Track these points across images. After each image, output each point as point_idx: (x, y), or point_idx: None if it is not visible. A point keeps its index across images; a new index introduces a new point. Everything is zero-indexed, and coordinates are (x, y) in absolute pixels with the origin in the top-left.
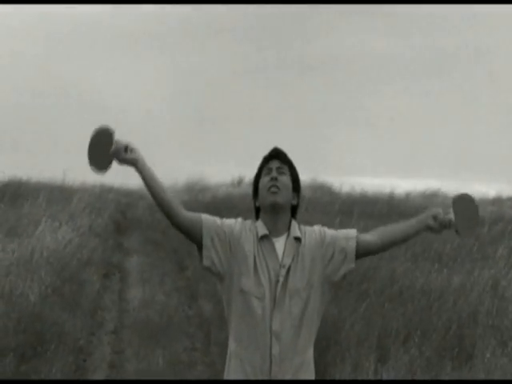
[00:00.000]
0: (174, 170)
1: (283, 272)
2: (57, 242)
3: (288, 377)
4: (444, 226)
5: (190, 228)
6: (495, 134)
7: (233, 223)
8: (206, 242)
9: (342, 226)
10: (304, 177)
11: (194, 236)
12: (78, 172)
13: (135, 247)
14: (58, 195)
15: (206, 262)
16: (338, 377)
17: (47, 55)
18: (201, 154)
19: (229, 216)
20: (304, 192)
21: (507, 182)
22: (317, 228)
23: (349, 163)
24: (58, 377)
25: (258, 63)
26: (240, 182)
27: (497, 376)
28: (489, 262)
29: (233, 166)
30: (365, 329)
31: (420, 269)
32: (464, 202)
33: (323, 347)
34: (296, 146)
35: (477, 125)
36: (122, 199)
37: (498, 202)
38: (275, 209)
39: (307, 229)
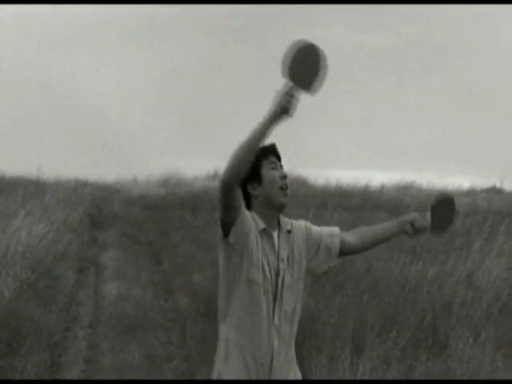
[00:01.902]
0: (149, 163)
1: (283, 266)
2: (32, 237)
3: (284, 369)
4: (419, 232)
5: (234, 205)
6: (469, 127)
7: (247, 212)
8: (239, 225)
9: (317, 218)
10: None
11: (230, 213)
12: (53, 167)
13: (111, 241)
14: (32, 190)
15: (231, 239)
16: (313, 368)
17: (23, 52)
18: (176, 147)
19: (204, 209)
20: None
21: (481, 175)
22: (303, 223)
23: (324, 156)
24: (34, 372)
25: (232, 57)
26: (215, 175)
27: (470, 366)
28: (463, 253)
29: (208, 160)
30: (340, 320)
31: (395, 261)
32: (443, 204)
33: (299, 339)
34: (271, 139)
35: (451, 118)
36: (98, 193)
37: (471, 194)
38: (282, 209)
39: (293, 223)
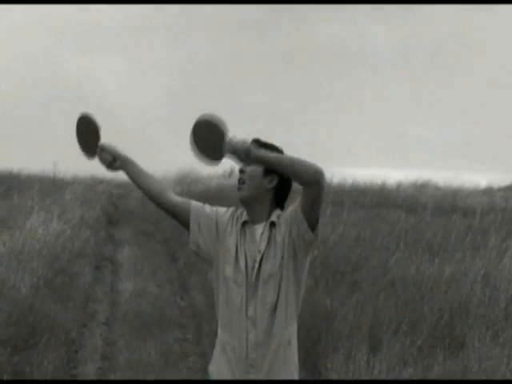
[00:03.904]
0: (165, 161)
1: (258, 258)
2: (48, 234)
3: (267, 361)
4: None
5: (177, 213)
6: (486, 124)
7: (223, 211)
8: (193, 227)
9: (333, 216)
10: None
11: (181, 221)
12: (70, 164)
13: (127, 239)
14: (49, 187)
15: (191, 246)
16: (329, 366)
17: (39, 48)
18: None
19: (220, 207)
20: (295, 183)
21: (498, 172)
22: (288, 208)
23: (340, 154)
24: (50, 369)
25: (245, 55)
26: (231, 173)
27: (488, 365)
28: (480, 251)
29: (224, 158)
30: (357, 319)
31: (412, 259)
32: (204, 130)
33: (315, 337)
34: (286, 137)
35: (468, 116)
36: (114, 191)
37: (488, 192)
38: (243, 203)
39: (282, 213)
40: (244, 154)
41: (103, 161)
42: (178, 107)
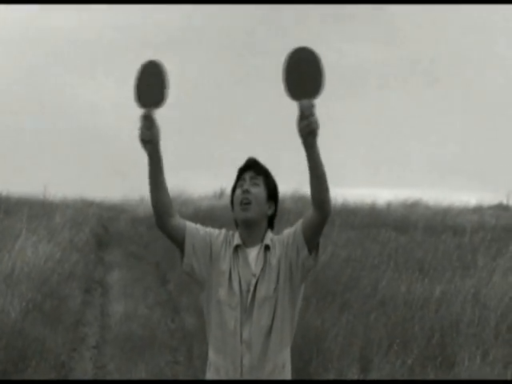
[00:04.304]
0: None
1: (253, 281)
2: (38, 257)
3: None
4: (302, 112)
5: (174, 233)
6: (475, 143)
7: (216, 234)
8: (188, 248)
9: (324, 237)
10: (285, 188)
11: (176, 241)
12: (60, 187)
13: (117, 261)
14: (39, 210)
15: (185, 268)
16: None
17: (29, 67)
18: (182, 166)
19: (212, 228)
20: (285, 203)
21: (488, 191)
22: (284, 232)
23: (330, 174)
24: None
25: (238, 74)
26: (222, 194)
27: None
28: (470, 270)
29: (215, 178)
30: (347, 339)
31: (402, 278)
32: (301, 61)
33: (306, 358)
34: (278, 157)
35: (456, 134)
36: (104, 213)
37: (478, 210)
38: (247, 224)
39: (275, 236)
40: (309, 128)
41: (142, 129)
42: (170, 128)
